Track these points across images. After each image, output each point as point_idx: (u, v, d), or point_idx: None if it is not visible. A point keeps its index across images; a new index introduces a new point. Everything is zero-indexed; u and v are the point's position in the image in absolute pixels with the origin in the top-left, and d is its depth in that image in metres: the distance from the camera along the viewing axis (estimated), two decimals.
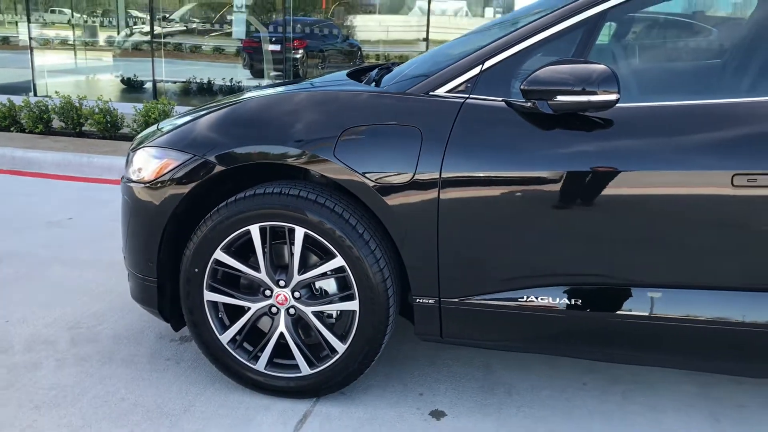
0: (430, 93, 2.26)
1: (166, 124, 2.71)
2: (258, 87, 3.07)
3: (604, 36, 2.35)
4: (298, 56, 9.83)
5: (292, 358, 2.47)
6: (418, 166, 2.18)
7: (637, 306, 2.15)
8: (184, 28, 10.53)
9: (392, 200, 2.21)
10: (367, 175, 2.21)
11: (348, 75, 2.94)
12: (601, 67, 1.99)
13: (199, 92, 9.97)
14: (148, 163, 2.50)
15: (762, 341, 2.10)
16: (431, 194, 2.18)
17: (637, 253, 2.11)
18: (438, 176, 2.17)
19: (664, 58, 2.54)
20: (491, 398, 2.53)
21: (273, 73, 9.83)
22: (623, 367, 2.74)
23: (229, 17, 10.00)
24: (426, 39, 9.83)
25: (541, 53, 2.21)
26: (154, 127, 2.84)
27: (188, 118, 2.56)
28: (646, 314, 2.14)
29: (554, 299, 2.20)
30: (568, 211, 2.12)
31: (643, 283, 2.13)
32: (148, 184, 2.47)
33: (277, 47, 9.74)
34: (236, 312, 2.51)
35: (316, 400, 2.49)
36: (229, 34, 10.05)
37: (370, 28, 10.78)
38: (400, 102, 2.26)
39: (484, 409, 2.46)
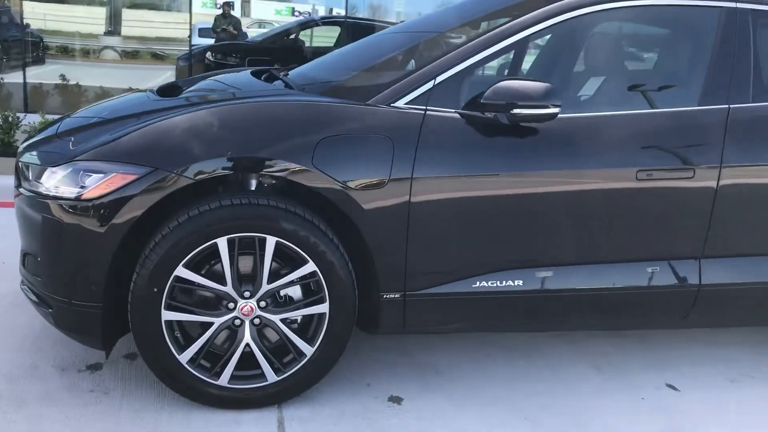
0: (392, 104, 2.45)
1: (79, 133, 2.48)
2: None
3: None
4: None
5: (255, 368, 2.47)
6: (392, 171, 2.37)
7: (565, 281, 2.60)
8: None
9: (368, 204, 2.36)
10: (345, 181, 2.33)
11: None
12: (547, 84, 2.38)
13: None
14: (86, 178, 2.28)
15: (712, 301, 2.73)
16: (403, 197, 2.38)
17: (570, 237, 2.56)
18: (410, 179, 2.38)
19: (583, 75, 3.04)
20: (429, 378, 2.80)
21: None
22: (517, 336, 3.19)
23: None
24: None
25: (481, 70, 2.54)
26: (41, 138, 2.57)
27: (130, 128, 2.37)
28: (572, 287, 2.61)
29: (501, 283, 2.56)
30: (518, 206, 2.49)
31: (573, 262, 2.59)
32: (89, 202, 2.25)
33: None
34: (189, 329, 2.42)
35: (278, 406, 2.52)
36: None
37: (53, 18, 10.29)
38: (372, 113, 2.42)
39: (430, 388, 2.72)
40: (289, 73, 3.20)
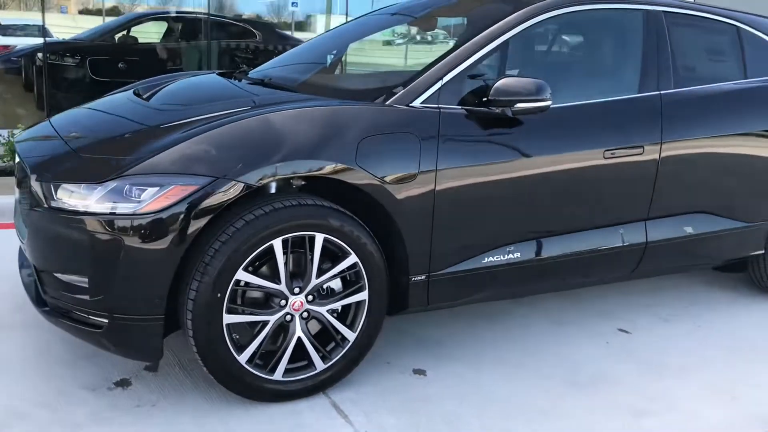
0: (410, 105, 2.69)
1: (109, 147, 2.45)
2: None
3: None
4: None
5: (301, 359, 2.61)
6: (420, 164, 2.62)
7: (553, 249, 3.01)
8: None
9: (401, 195, 2.60)
10: (382, 176, 2.55)
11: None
12: (540, 80, 2.75)
13: None
14: (140, 192, 2.28)
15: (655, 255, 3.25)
16: (430, 187, 2.65)
17: (557, 210, 2.97)
18: (435, 171, 2.65)
19: (561, 69, 3.40)
20: (435, 350, 3.09)
21: None
22: (492, 305, 3.54)
23: None
24: None
25: (476, 70, 2.85)
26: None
27: (172, 136, 2.39)
28: (559, 254, 3.02)
29: (504, 256, 2.91)
30: (519, 186, 2.85)
31: (560, 231, 3.01)
32: (149, 215, 2.27)
33: None
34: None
35: (324, 393, 2.68)
36: None
37: None
38: (398, 113, 2.64)
39: (440, 358, 3.01)
40: (256, 74, 3.32)
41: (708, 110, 3.36)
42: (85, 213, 2.32)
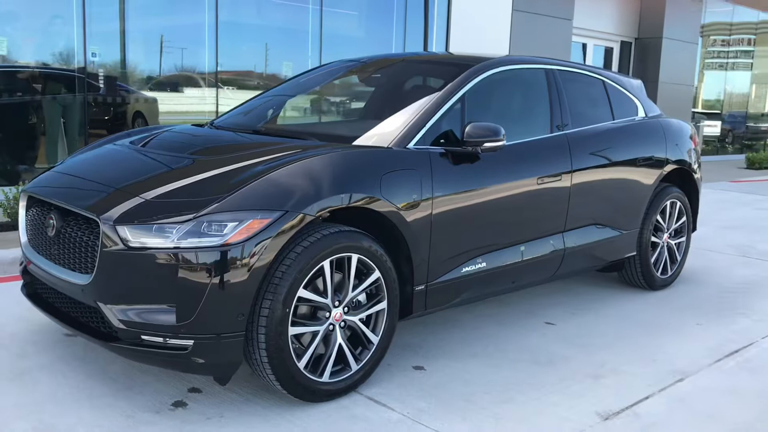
0: (407, 146, 3.31)
1: (176, 191, 2.81)
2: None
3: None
4: None
5: (338, 363, 3.07)
6: (422, 193, 3.24)
7: (505, 259, 3.75)
8: None
9: (410, 219, 3.20)
10: (397, 204, 3.13)
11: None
12: (497, 125, 3.50)
13: None
14: (222, 227, 2.68)
15: (569, 259, 4.07)
16: (428, 211, 3.28)
17: (510, 226, 3.73)
18: (431, 198, 3.29)
19: (498, 116, 4.11)
20: (421, 351, 3.67)
21: None
22: (453, 311, 4.18)
23: None
24: None
25: (446, 118, 3.54)
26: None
27: (240, 177, 2.83)
28: (510, 262, 3.77)
29: (474, 266, 3.59)
30: (486, 207, 3.57)
31: (510, 244, 3.76)
32: (234, 246, 2.67)
33: None
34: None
35: (356, 391, 3.15)
36: None
37: None
38: (402, 154, 3.25)
39: (429, 357, 3.60)
40: (224, 122, 3.87)
41: (596, 145, 4.33)
42: (172, 248, 2.66)
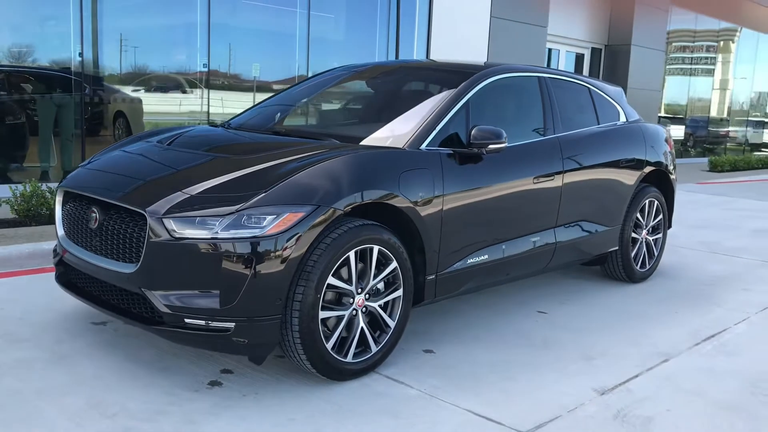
0: (419, 147, 3.61)
1: (217, 188, 3.07)
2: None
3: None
4: None
5: (359, 346, 3.35)
6: (434, 190, 3.54)
7: (504, 252, 4.07)
8: None
9: (424, 213, 3.50)
10: (413, 200, 3.43)
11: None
12: (499, 128, 3.81)
13: None
14: (261, 220, 2.96)
15: (560, 252, 4.40)
16: (439, 207, 3.59)
17: (509, 221, 4.05)
18: (442, 195, 3.59)
19: (498, 120, 4.41)
20: (428, 336, 3.96)
21: None
22: (451, 301, 4.48)
23: None
24: None
25: (453, 122, 3.84)
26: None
27: (275, 174, 3.12)
28: (509, 255, 4.09)
29: (478, 258, 3.90)
30: (489, 203, 3.88)
31: (508, 238, 4.08)
32: (272, 237, 2.94)
33: None
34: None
35: (376, 372, 3.43)
36: None
37: None
38: (416, 154, 3.55)
39: (437, 342, 3.90)
40: (239, 123, 4.20)
41: (584, 148, 4.68)
42: (216, 239, 2.93)
